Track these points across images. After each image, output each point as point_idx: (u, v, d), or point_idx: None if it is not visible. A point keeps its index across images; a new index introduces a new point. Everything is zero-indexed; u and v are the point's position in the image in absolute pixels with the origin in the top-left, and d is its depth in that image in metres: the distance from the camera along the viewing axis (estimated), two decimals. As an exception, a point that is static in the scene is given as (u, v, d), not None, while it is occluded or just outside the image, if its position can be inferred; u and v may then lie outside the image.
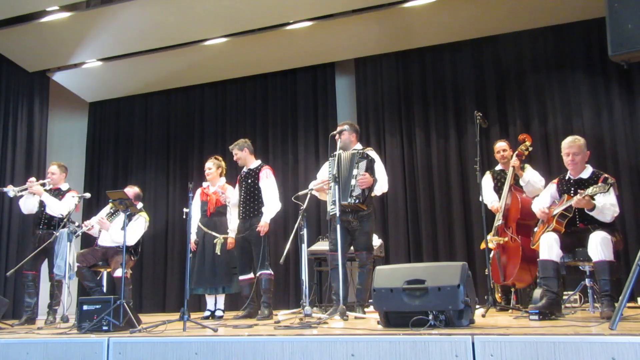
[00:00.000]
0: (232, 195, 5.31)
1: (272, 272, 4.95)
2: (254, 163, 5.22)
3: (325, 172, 4.84)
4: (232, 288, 5.27)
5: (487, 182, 5.33)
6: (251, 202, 5.02)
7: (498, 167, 5.40)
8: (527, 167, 5.10)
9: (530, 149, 5.04)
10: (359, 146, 4.76)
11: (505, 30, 6.97)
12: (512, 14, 6.60)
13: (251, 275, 5.03)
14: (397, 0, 6.52)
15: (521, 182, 4.99)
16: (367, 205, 4.45)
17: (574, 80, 6.80)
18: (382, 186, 4.61)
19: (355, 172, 4.40)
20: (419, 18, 6.79)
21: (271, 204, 4.99)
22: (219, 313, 5.34)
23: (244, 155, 5.21)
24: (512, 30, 6.95)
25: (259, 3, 6.38)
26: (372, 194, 4.56)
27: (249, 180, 5.10)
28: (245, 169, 5.23)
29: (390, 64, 7.66)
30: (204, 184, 5.53)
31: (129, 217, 5.32)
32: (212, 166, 5.48)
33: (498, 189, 5.20)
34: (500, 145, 5.37)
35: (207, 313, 5.38)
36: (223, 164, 5.63)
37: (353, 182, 4.37)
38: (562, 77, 6.86)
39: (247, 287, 5.03)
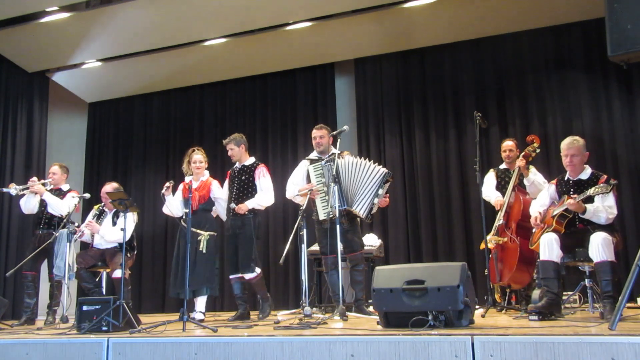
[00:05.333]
0: (221, 192, 5.11)
1: (259, 272, 4.82)
2: (249, 160, 5.05)
3: (302, 174, 4.85)
4: (216, 290, 4.97)
5: (489, 179, 5.31)
6: (244, 199, 4.85)
7: (502, 166, 5.37)
8: (532, 168, 5.08)
9: (538, 150, 5.02)
10: (333, 149, 4.79)
11: (505, 31, 6.97)
12: (512, 14, 6.60)
13: (240, 274, 4.85)
14: (397, 0, 6.52)
15: (526, 182, 4.98)
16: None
17: (573, 80, 6.79)
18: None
19: (381, 191, 4.50)
20: (419, 18, 6.79)
21: (265, 195, 4.88)
22: (199, 316, 4.79)
23: (240, 151, 5.02)
24: (512, 31, 6.95)
25: (258, 3, 6.38)
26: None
27: (243, 177, 4.93)
28: (238, 165, 5.04)
29: (390, 64, 7.65)
30: (187, 179, 5.21)
31: (116, 215, 5.30)
32: (203, 159, 5.16)
33: (501, 188, 5.18)
34: (507, 144, 5.34)
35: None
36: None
37: (376, 200, 4.49)
38: (561, 77, 6.86)
39: (237, 286, 4.88)
